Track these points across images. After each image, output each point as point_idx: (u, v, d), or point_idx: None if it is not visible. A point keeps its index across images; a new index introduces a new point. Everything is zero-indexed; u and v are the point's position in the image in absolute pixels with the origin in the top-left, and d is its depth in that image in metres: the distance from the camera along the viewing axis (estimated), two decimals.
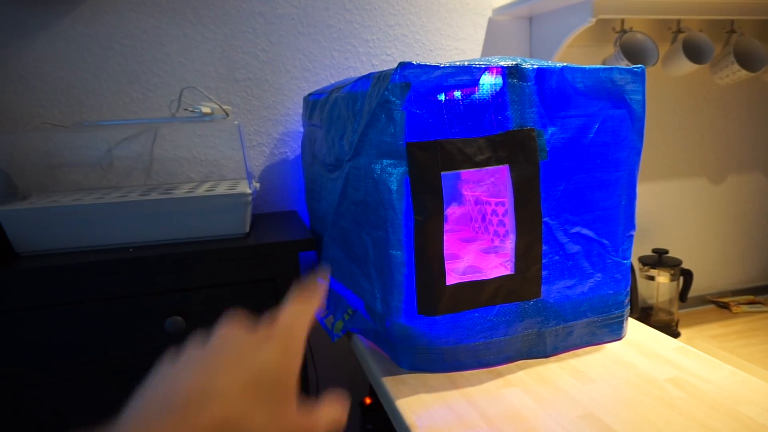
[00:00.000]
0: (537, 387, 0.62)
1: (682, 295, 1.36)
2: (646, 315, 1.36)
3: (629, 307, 0.75)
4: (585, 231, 0.70)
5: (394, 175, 0.63)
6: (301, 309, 0.35)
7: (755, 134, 1.49)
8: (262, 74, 1.13)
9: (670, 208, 1.44)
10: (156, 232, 0.89)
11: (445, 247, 0.93)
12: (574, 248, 0.70)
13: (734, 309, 1.45)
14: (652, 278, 1.34)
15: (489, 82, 0.64)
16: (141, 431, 0.27)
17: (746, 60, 1.24)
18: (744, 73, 1.23)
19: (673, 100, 1.38)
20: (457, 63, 0.63)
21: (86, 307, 0.82)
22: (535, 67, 0.65)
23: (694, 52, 1.21)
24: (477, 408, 0.58)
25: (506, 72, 0.64)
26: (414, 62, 0.60)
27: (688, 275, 1.35)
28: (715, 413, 0.54)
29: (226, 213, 0.91)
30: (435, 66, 0.61)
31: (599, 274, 0.72)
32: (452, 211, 1.09)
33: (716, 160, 1.46)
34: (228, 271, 0.88)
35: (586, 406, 0.57)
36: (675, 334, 1.33)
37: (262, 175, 1.16)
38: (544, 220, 0.67)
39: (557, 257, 0.69)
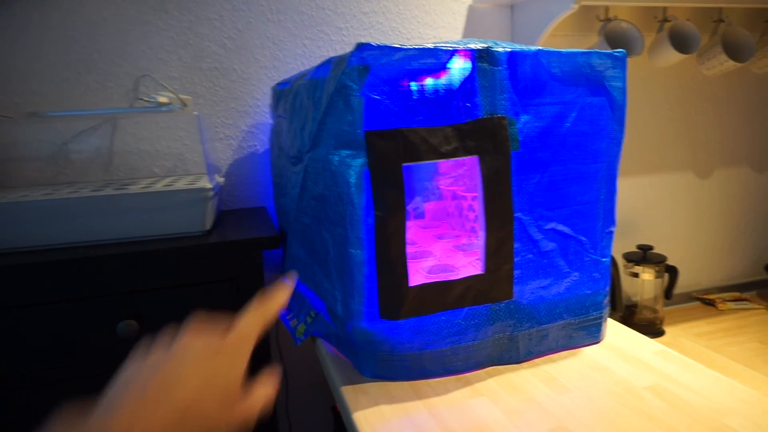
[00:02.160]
0: (507, 397, 0.57)
1: (668, 293, 1.32)
2: (630, 313, 1.33)
3: (609, 308, 0.71)
4: (561, 227, 0.65)
5: (353, 167, 0.58)
6: (257, 316, 0.42)
7: (743, 127, 1.45)
8: (229, 63, 1.07)
9: (656, 202, 1.40)
10: (110, 230, 0.83)
11: (418, 244, 0.88)
12: (549, 246, 0.65)
13: (720, 306, 1.42)
14: (636, 275, 1.30)
15: (457, 66, 0.59)
16: (120, 414, 0.34)
17: (734, 50, 1.20)
18: (732, 63, 1.18)
19: (659, 91, 1.34)
20: (422, 45, 0.58)
21: (31, 311, 0.76)
22: (507, 50, 0.60)
23: (681, 42, 1.16)
24: (440, 421, 0.53)
25: (476, 55, 0.59)
26: (374, 43, 0.55)
27: (673, 272, 1.31)
28: (698, 426, 0.50)
29: (185, 209, 0.85)
30: (396, 47, 0.56)
31: (576, 273, 0.67)
32: (429, 206, 1.04)
33: (703, 154, 1.43)
34: (186, 270, 0.82)
35: (559, 418, 0.52)
36: (660, 333, 1.29)
37: (229, 169, 1.10)
38: (516, 215, 0.62)
39: (531, 255, 0.64)
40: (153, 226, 0.84)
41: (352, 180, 0.58)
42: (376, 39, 1.14)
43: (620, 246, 1.36)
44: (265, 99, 1.10)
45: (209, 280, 0.84)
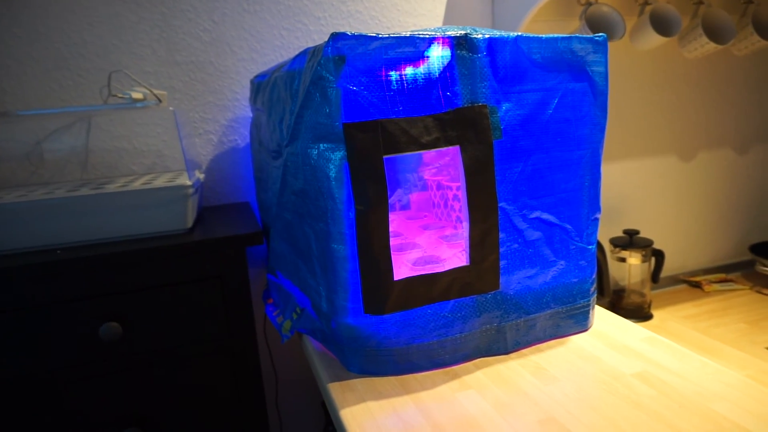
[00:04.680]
0: (495, 389, 0.56)
1: (654, 276, 1.33)
2: (618, 298, 1.33)
3: (596, 295, 0.71)
4: (546, 216, 0.65)
5: (333, 160, 0.56)
6: None
7: (725, 109, 1.45)
8: (205, 56, 1.04)
9: (641, 187, 1.41)
10: (87, 231, 0.81)
11: (403, 236, 0.87)
12: (534, 235, 0.64)
13: (706, 288, 1.43)
14: (623, 260, 1.30)
15: (436, 54, 0.58)
16: None
17: (715, 32, 1.19)
18: (712, 45, 1.18)
19: (641, 75, 1.34)
20: (400, 33, 0.56)
21: (10, 314, 0.74)
22: (486, 36, 0.59)
23: (662, 25, 1.16)
24: (428, 416, 0.52)
25: (454, 43, 0.58)
26: (349, 32, 0.54)
27: (659, 256, 1.31)
28: (685, 412, 0.50)
29: (164, 207, 0.83)
30: (373, 36, 0.54)
31: (562, 262, 0.67)
32: (414, 197, 1.03)
33: (686, 137, 1.43)
34: (168, 270, 0.81)
35: (547, 409, 0.52)
36: (648, 317, 1.30)
37: (210, 165, 1.08)
38: (499, 205, 0.61)
39: (516, 245, 0.63)
40: (132, 225, 0.82)
41: (332, 174, 0.57)
42: (355, 28, 1.12)
43: (607, 231, 1.37)
44: (244, 92, 1.08)
45: (192, 278, 0.83)
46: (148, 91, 0.81)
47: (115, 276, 0.78)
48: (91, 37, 0.97)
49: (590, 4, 1.14)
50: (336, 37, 0.53)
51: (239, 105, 1.08)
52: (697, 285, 1.46)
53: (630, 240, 1.30)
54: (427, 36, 0.57)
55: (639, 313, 1.31)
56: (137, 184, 0.85)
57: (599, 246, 1.23)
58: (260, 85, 0.86)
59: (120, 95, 0.82)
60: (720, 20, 1.20)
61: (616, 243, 1.31)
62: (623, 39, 1.13)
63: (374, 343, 0.60)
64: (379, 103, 0.56)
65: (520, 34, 0.61)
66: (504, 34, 0.61)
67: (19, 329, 0.74)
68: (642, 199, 1.42)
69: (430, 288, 0.60)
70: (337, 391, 0.58)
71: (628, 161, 1.37)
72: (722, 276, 1.49)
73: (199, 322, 0.83)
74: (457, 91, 0.58)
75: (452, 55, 0.58)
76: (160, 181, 0.87)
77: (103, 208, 0.81)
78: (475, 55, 0.58)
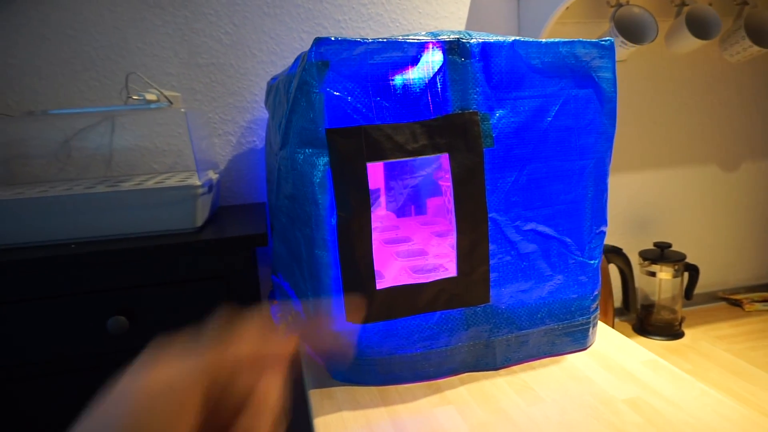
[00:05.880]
0: (476, 406, 0.54)
1: (687, 293, 1.25)
2: (646, 314, 1.27)
3: (597, 312, 0.67)
4: (542, 228, 0.62)
5: (317, 165, 0.56)
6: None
7: None
8: (225, 59, 1.06)
9: (676, 197, 1.33)
10: (101, 227, 0.84)
11: (416, 243, 0.86)
12: (529, 247, 0.62)
13: (747, 307, 1.34)
14: (653, 274, 1.24)
15: (425, 59, 0.56)
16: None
17: (759, 34, 1.12)
18: (756, 49, 1.11)
19: (678, 81, 1.27)
20: (387, 38, 0.55)
21: (23, 306, 0.77)
22: (480, 41, 0.57)
23: (700, 27, 1.09)
24: (401, 430, 0.51)
25: (446, 48, 0.56)
26: (332, 37, 0.53)
27: (693, 271, 1.24)
28: None
29: (174, 206, 0.85)
30: (357, 41, 0.54)
31: (560, 276, 0.64)
32: (431, 202, 1.02)
33: (728, 145, 1.34)
34: (176, 267, 0.82)
35: (525, 431, 0.49)
36: (678, 334, 1.23)
37: (229, 165, 1.10)
38: (490, 215, 0.59)
39: (508, 257, 0.61)
40: (144, 223, 0.85)
41: (316, 179, 0.56)
42: (375, 31, 1.12)
43: (636, 244, 1.30)
44: (262, 94, 1.09)
45: (200, 277, 0.84)
46: (160, 93, 0.83)
47: (124, 271, 0.80)
48: (117, 40, 1.01)
49: (620, 5, 1.09)
50: (319, 42, 0.53)
51: (258, 107, 1.09)
52: (737, 303, 1.37)
53: (661, 253, 1.23)
54: (416, 41, 0.55)
55: (669, 330, 1.24)
56: (150, 183, 0.87)
57: (625, 259, 1.17)
58: (271, 88, 0.86)
59: (135, 97, 0.85)
60: (764, 22, 1.12)
61: (645, 256, 1.25)
62: (657, 42, 1.08)
63: (357, 352, 0.59)
64: (364, 108, 0.55)
65: (517, 38, 0.58)
66: (500, 38, 0.58)
67: (33, 320, 0.78)
68: (677, 211, 1.34)
69: (414, 298, 0.59)
70: (316, 398, 0.58)
71: (662, 170, 1.31)
72: (766, 295, 1.39)
73: (203, 320, 0.84)
74: (447, 97, 0.57)
75: (444, 60, 0.56)
76: (173, 181, 0.89)
77: (115, 206, 0.83)
78: (468, 60, 0.57)
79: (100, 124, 1.03)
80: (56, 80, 1.00)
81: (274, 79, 0.90)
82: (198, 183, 0.85)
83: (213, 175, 0.97)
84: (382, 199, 0.91)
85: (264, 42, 1.07)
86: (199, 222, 0.87)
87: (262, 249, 1.02)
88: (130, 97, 0.85)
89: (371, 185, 0.89)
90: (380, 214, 0.93)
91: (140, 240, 0.83)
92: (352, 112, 0.54)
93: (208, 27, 1.04)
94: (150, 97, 0.84)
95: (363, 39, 0.54)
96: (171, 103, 0.83)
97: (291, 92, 0.60)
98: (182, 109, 0.85)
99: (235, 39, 1.06)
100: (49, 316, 0.79)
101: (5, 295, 0.76)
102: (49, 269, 0.78)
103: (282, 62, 1.09)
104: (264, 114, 1.10)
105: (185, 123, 1.05)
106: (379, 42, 0.54)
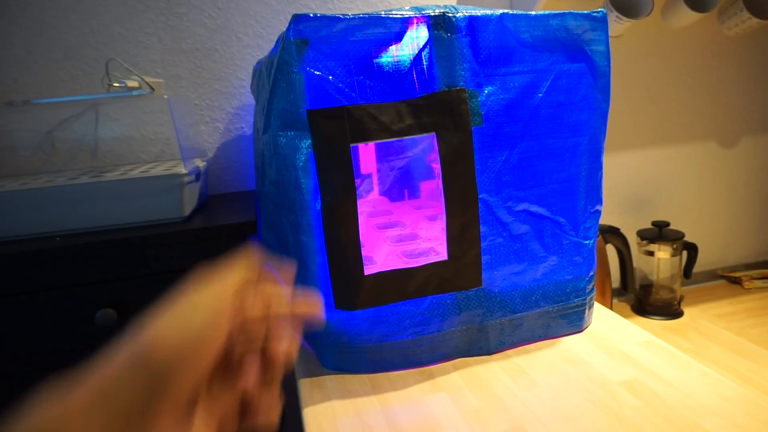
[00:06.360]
0: (468, 393, 0.53)
1: (686, 271, 1.24)
2: (645, 293, 1.25)
3: (593, 293, 0.66)
4: (534, 208, 0.60)
5: (300, 149, 0.54)
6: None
7: None
8: (210, 43, 1.04)
9: (673, 176, 1.31)
10: (87, 219, 0.82)
11: (408, 227, 0.84)
12: (522, 228, 0.60)
13: (746, 285, 1.33)
14: (651, 253, 1.22)
15: (410, 35, 0.54)
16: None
17: (758, 6, 1.09)
18: (755, 21, 1.08)
19: (675, 55, 1.24)
20: (369, 13, 0.53)
21: (8, 301, 0.76)
22: (466, 15, 0.55)
23: (697, 0, 1.07)
24: (390, 419, 0.50)
25: (431, 23, 0.54)
26: (311, 14, 0.51)
27: (692, 249, 1.22)
28: (669, 427, 0.45)
29: (160, 196, 0.83)
30: (338, 17, 0.51)
31: (554, 258, 0.62)
32: (425, 186, 1.00)
33: (727, 122, 1.32)
34: (163, 258, 0.81)
35: (517, 417, 0.48)
36: (677, 314, 1.22)
37: (217, 152, 1.08)
38: (480, 196, 0.57)
39: (500, 239, 0.59)
40: (130, 213, 0.83)
41: (299, 163, 0.54)
42: (364, 11, 1.09)
43: (634, 223, 1.29)
44: (249, 79, 1.06)
45: (188, 267, 0.82)
46: (141, 80, 0.80)
47: (110, 263, 0.78)
48: (99, 26, 0.98)
49: None
50: (297, 19, 0.50)
51: (245, 92, 1.07)
52: (736, 281, 1.36)
53: (659, 232, 1.22)
54: (400, 16, 0.53)
55: (668, 309, 1.23)
56: (135, 173, 0.85)
57: (622, 238, 1.16)
58: (255, 72, 0.84)
59: (117, 84, 0.82)
60: None
61: (643, 235, 1.23)
62: (653, 16, 1.05)
63: (346, 340, 0.58)
64: (347, 88, 0.53)
65: (505, 11, 0.56)
66: (488, 11, 0.56)
67: (18, 314, 0.76)
68: (675, 189, 1.32)
69: (405, 283, 0.57)
70: (305, 387, 0.56)
71: (659, 148, 1.28)
72: (765, 272, 1.38)
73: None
74: (433, 74, 0.54)
75: (429, 36, 0.54)
76: (159, 170, 0.87)
77: (100, 197, 0.81)
78: (454, 36, 0.54)
79: (84, 113, 1.00)
80: (36, 69, 0.97)
81: (259, 62, 0.88)
82: (184, 171, 0.83)
83: (200, 163, 0.95)
84: (375, 183, 0.89)
85: (249, 25, 1.04)
86: (187, 211, 0.86)
87: (254, 238, 1.00)
88: (112, 85, 0.82)
89: (364, 169, 0.87)
90: (373, 199, 0.91)
91: (127, 231, 0.81)
92: (334, 92, 0.52)
93: (192, 11, 1.01)
94: (131, 84, 0.82)
95: (344, 15, 0.51)
96: (153, 89, 0.81)
97: (271, 73, 0.57)
98: (165, 96, 0.82)
99: (220, 23, 1.03)
100: (35, 311, 0.77)
101: None
102: (34, 263, 0.76)
103: (268, 46, 1.06)
104: (252, 100, 1.07)
105: (175, 111, 1.02)
106: (360, 18, 0.52)
